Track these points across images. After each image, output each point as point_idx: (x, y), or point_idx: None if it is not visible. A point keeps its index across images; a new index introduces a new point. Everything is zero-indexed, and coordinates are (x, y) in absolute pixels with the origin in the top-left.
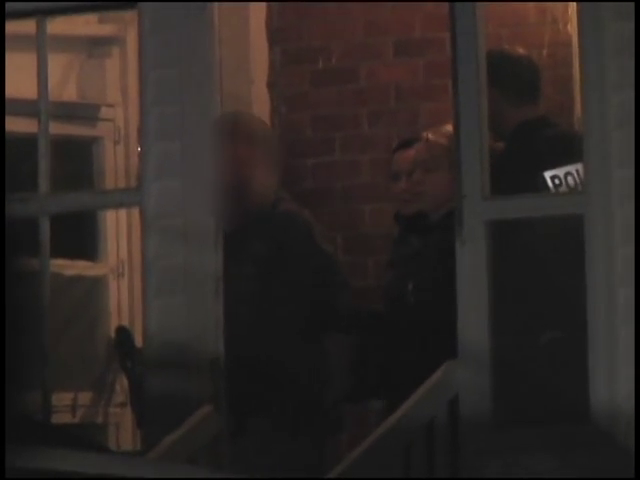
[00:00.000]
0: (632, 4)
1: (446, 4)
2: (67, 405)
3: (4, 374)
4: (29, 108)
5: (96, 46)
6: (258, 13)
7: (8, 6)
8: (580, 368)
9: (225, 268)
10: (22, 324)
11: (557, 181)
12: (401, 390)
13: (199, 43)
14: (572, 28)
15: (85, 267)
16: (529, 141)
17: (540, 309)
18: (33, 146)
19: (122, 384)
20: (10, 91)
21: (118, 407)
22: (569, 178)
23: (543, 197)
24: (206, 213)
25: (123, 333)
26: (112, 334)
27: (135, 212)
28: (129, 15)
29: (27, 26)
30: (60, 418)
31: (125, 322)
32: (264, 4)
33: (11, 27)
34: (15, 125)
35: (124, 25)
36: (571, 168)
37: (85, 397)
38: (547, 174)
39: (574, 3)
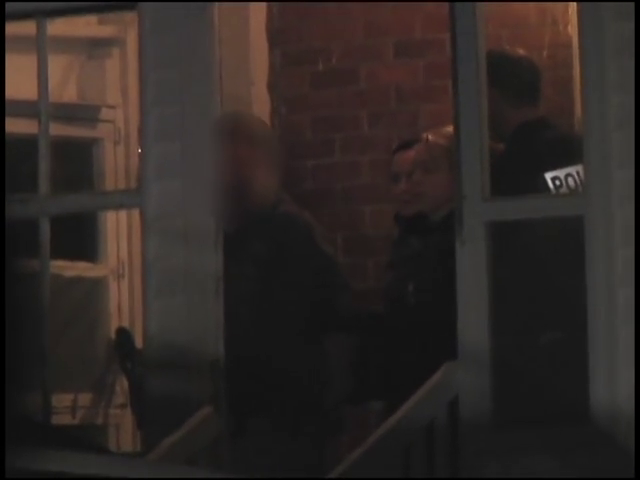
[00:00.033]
0: (632, 4)
1: (446, 5)
2: (67, 406)
3: (4, 375)
4: (29, 109)
5: (96, 47)
6: (258, 14)
7: (8, 7)
8: (580, 369)
9: (225, 269)
10: (22, 325)
11: (558, 182)
12: (401, 391)
13: (199, 44)
14: (572, 29)
15: (85, 268)
16: (529, 142)
17: (540, 310)
18: (33, 147)
19: (122, 385)
20: (10, 92)
21: (118, 408)
22: (570, 179)
23: (543, 198)
24: (206, 214)
25: (123, 334)
26: (112, 335)
27: (135, 213)
28: (129, 16)
29: (27, 27)
30: (60, 419)
31: (125, 323)
32: (264, 5)
33: (11, 28)
34: (15, 126)
35: (124, 26)
36: (572, 169)
37: (85, 398)
38: (548, 175)
39: (574, 4)
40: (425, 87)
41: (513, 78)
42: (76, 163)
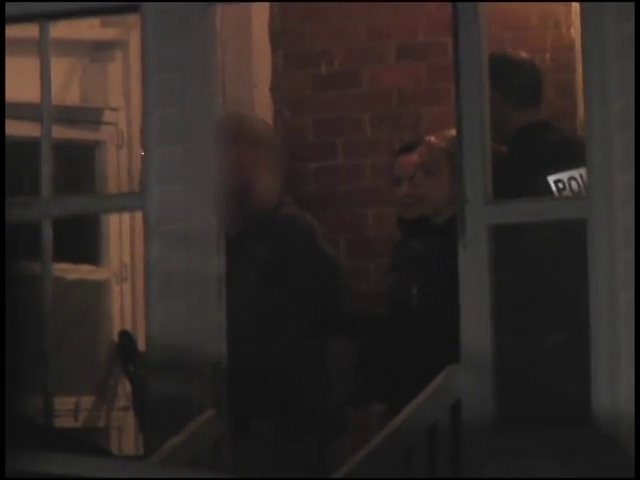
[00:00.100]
0: (633, 5)
1: (448, 7)
2: (69, 409)
3: (4, 378)
4: (32, 112)
5: (99, 50)
6: (260, 17)
7: (11, 10)
8: (582, 372)
9: (227, 272)
10: (24, 328)
11: (561, 185)
12: (403, 394)
13: (201, 47)
14: (575, 32)
15: (88, 271)
16: (532, 145)
17: (542, 313)
18: (36, 150)
19: (124, 388)
20: (13, 95)
21: (120, 411)
22: (573, 183)
23: (545, 201)
24: (209, 217)
25: (126, 337)
26: (115, 338)
27: (138, 216)
28: (132, 19)
29: (30, 30)
30: (62, 422)
31: (128, 326)
32: (266, 8)
33: (14, 31)
34: (18, 129)
35: (127, 29)
36: (575, 173)
37: (87, 401)
38: (551, 178)
39: (577, 7)
40: (428, 90)
41: (515, 81)
42: (78, 166)
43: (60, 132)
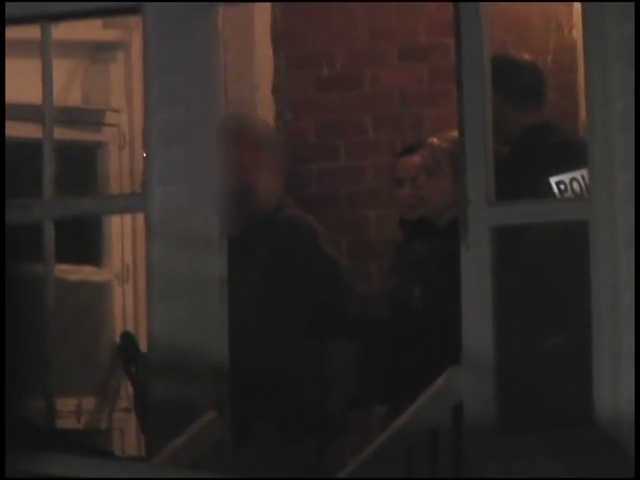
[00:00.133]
0: (633, 7)
1: (450, 9)
2: (71, 410)
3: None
4: (34, 113)
5: (100, 51)
6: (263, 18)
7: (13, 11)
8: (584, 373)
9: (229, 273)
10: (26, 329)
11: (563, 187)
12: (405, 395)
13: (203, 48)
14: (577, 34)
15: (90, 272)
16: (534, 146)
17: (544, 314)
18: (38, 151)
19: (126, 389)
20: (15, 96)
21: (122, 412)
22: (574, 184)
23: (547, 203)
24: (210, 218)
25: (127, 338)
26: (116, 339)
27: (140, 217)
28: (133, 20)
29: (31, 31)
30: (64, 423)
31: (129, 327)
32: (268, 9)
33: (16, 33)
34: (20, 130)
35: (128, 30)
36: (577, 174)
37: (89, 402)
38: (553, 180)
39: (578, 8)
40: (429, 91)
41: (517, 82)
42: (80, 167)
43: (62, 133)
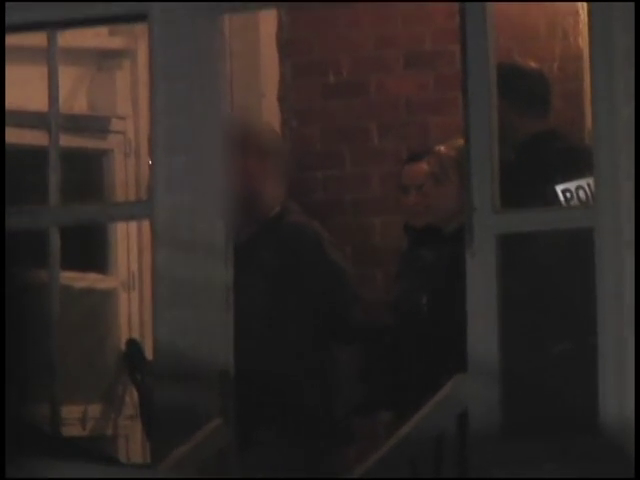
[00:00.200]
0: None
1: (456, 16)
2: (77, 417)
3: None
4: (40, 120)
5: (106, 58)
6: (268, 26)
7: (19, 19)
8: (589, 380)
9: (235, 280)
10: (32, 336)
11: (569, 194)
12: (411, 403)
13: (209, 56)
14: (583, 42)
15: (95, 280)
16: (540, 154)
17: (550, 322)
18: (43, 158)
19: (132, 396)
20: (21, 103)
21: (128, 419)
22: (580, 192)
23: (553, 210)
24: (216, 225)
25: (133, 345)
26: (122, 346)
27: (145, 224)
28: (139, 28)
29: (38, 39)
30: (70, 430)
31: (135, 334)
32: (274, 17)
33: (22, 40)
34: (25, 137)
35: (134, 38)
36: (583, 182)
37: (95, 409)
38: (559, 187)
39: (584, 17)
40: (435, 99)
41: (523, 90)
42: (86, 174)
43: (68, 140)
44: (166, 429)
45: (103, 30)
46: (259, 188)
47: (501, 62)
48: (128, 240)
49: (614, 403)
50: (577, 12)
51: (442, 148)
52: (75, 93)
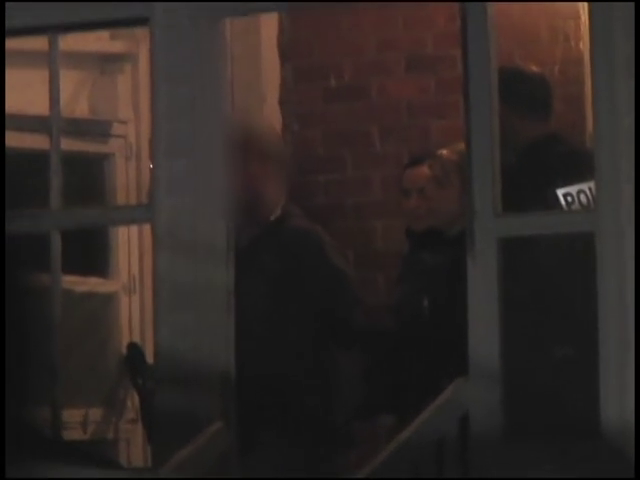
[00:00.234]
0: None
1: (457, 20)
2: (78, 421)
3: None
4: (41, 124)
5: (108, 62)
6: (270, 30)
7: (20, 22)
8: (591, 384)
9: (236, 284)
10: (33, 340)
11: (570, 199)
12: (412, 406)
13: (211, 60)
14: (584, 46)
15: (96, 283)
16: (541, 158)
17: (551, 326)
18: (45, 162)
19: (133, 400)
20: (22, 107)
21: (129, 423)
22: (582, 196)
23: (554, 214)
24: (218, 229)
25: (134, 349)
26: (123, 350)
27: (146, 228)
28: (141, 32)
29: (39, 42)
30: (71, 434)
31: (136, 338)
32: (276, 21)
33: (23, 43)
34: (27, 141)
35: (136, 42)
36: (584, 186)
37: (96, 413)
38: (560, 191)
39: (586, 21)
40: (436, 103)
41: (525, 94)
42: (87, 178)
43: (69, 144)
44: (167, 432)
45: (104, 34)
46: (260, 191)
47: (502, 66)
48: (129, 244)
49: (615, 407)
50: (578, 15)
51: (444, 152)
52: (76, 97)
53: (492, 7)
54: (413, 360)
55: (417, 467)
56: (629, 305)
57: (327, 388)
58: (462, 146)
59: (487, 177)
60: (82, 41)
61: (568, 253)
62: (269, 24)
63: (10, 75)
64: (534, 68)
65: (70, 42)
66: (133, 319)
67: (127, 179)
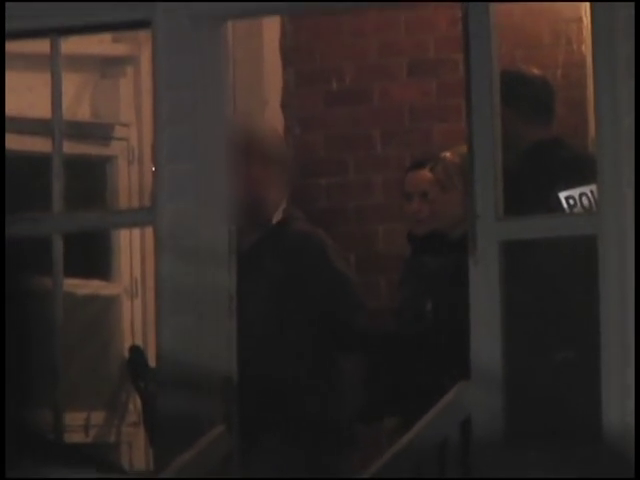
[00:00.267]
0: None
1: (459, 24)
2: (80, 424)
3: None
4: (43, 127)
5: (110, 66)
6: (272, 34)
7: (23, 25)
8: (593, 387)
9: (238, 287)
10: (35, 343)
11: (572, 202)
12: (414, 410)
13: (213, 63)
14: (586, 49)
15: (98, 286)
16: (543, 161)
17: (553, 329)
18: (47, 165)
19: (135, 403)
20: (24, 110)
21: (131, 426)
22: (584, 199)
23: (556, 218)
24: (220, 232)
25: (136, 352)
26: (125, 353)
27: (149, 231)
28: (143, 35)
29: (41, 45)
30: (73, 437)
31: (138, 341)
32: (278, 25)
33: (25, 46)
34: (29, 144)
35: (138, 45)
36: (586, 189)
37: (98, 416)
38: (562, 195)
39: (588, 24)
40: (438, 106)
41: (527, 97)
42: (90, 181)
43: (71, 147)
44: (169, 436)
45: (106, 37)
46: (262, 195)
47: (504, 69)
48: (131, 247)
49: (617, 410)
50: (580, 19)
51: (448, 154)
52: (78, 100)
53: (494, 7)
54: (415, 363)
55: (419, 470)
56: (631, 308)
57: (329, 391)
58: (465, 149)
59: (489, 180)
60: (84, 44)
61: (570, 256)
62: (271, 27)
63: (12, 78)
64: (536, 71)
65: (72, 45)
66: (135, 322)
67: (129, 182)
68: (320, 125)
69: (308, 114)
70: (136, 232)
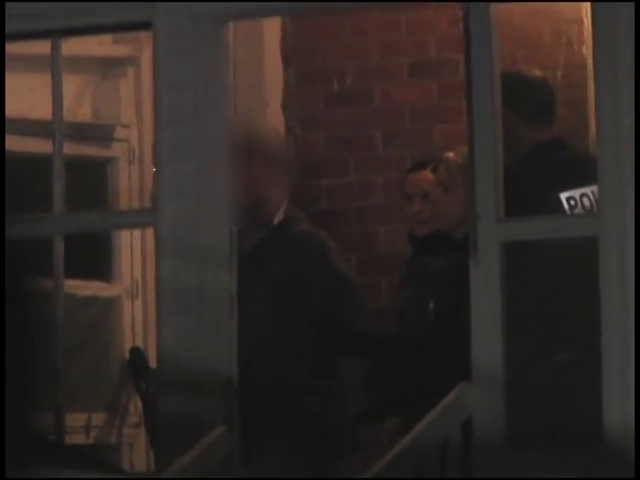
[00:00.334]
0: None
1: (460, 25)
2: (81, 426)
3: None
4: (44, 128)
5: (111, 67)
6: (273, 34)
7: (23, 27)
8: (594, 389)
9: (239, 288)
10: (36, 344)
11: (573, 202)
12: (415, 411)
13: (214, 64)
14: (587, 50)
15: (99, 288)
16: (544, 162)
17: (554, 330)
18: (48, 166)
19: (136, 405)
20: (25, 111)
21: (132, 428)
22: (585, 199)
23: (557, 219)
24: (220, 233)
25: (137, 354)
26: (126, 355)
27: (149, 232)
28: (144, 36)
29: (42, 47)
30: (74, 439)
31: (139, 343)
32: (279, 25)
33: (26, 48)
34: (30, 145)
35: (139, 46)
36: (587, 190)
37: (99, 418)
38: (563, 195)
39: (589, 25)
40: (439, 107)
41: (528, 98)
42: (90, 182)
43: (72, 148)
44: (170, 437)
45: (107, 38)
46: (263, 195)
47: (505, 70)
48: (132, 248)
49: (617, 411)
50: (581, 19)
51: (451, 155)
52: (79, 101)
53: (495, 8)
54: (416, 364)
55: (420, 471)
56: (631, 309)
57: (330, 392)
58: (466, 149)
59: (490, 181)
60: (85, 45)
61: (571, 257)
62: (272, 28)
63: (13, 79)
64: (537, 72)
65: (73, 46)
66: (136, 323)
67: (130, 183)
68: (321, 126)
69: (309, 114)
70: (137, 233)
